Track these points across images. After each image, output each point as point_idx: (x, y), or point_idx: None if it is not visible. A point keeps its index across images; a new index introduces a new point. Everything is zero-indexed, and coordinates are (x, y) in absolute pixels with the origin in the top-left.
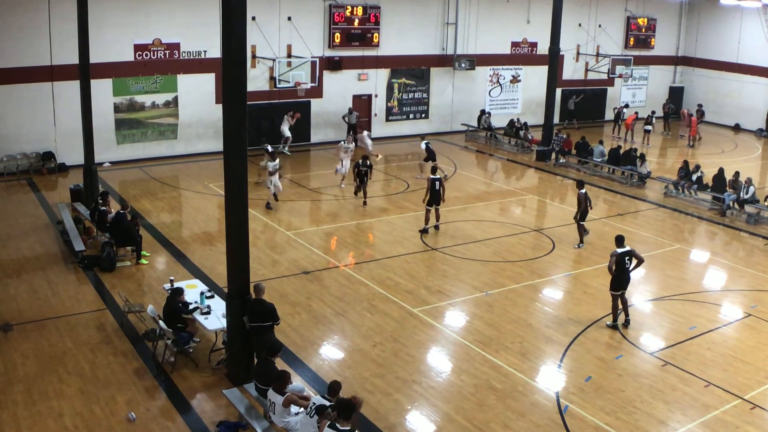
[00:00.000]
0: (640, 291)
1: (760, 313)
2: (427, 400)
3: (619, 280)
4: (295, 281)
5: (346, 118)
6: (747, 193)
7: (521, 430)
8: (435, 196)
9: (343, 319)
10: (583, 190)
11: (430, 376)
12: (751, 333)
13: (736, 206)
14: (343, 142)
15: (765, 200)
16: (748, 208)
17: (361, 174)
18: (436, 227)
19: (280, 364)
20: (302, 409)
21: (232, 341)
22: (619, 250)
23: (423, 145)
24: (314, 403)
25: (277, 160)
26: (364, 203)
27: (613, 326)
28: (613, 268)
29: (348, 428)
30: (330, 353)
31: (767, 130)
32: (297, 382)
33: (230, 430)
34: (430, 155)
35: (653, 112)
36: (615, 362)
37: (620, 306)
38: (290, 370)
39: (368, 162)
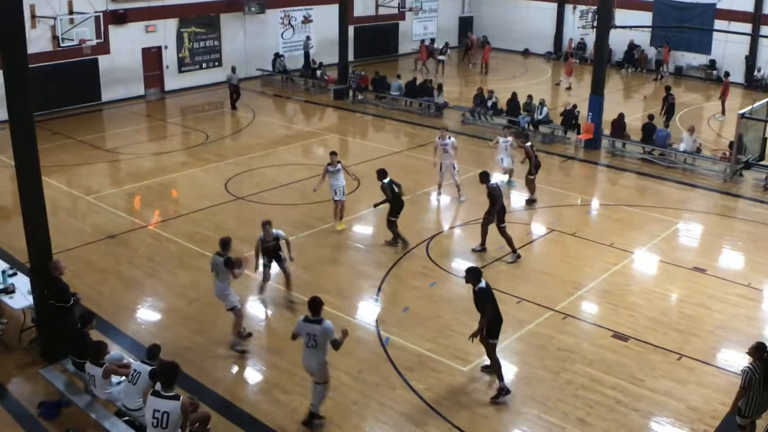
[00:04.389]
0: (444, 218)
1: (562, 227)
2: (250, 351)
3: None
4: (100, 247)
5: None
6: (541, 113)
7: (348, 368)
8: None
9: (155, 280)
10: (528, 143)
11: (250, 326)
12: (556, 247)
13: (532, 128)
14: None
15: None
16: (542, 129)
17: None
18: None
19: (94, 334)
20: (124, 377)
21: (41, 318)
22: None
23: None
24: (135, 370)
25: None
26: None
27: (482, 249)
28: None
29: (172, 394)
30: (146, 316)
31: (555, 53)
32: (115, 350)
33: (52, 409)
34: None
35: (447, 44)
36: (429, 290)
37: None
38: (106, 340)
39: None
